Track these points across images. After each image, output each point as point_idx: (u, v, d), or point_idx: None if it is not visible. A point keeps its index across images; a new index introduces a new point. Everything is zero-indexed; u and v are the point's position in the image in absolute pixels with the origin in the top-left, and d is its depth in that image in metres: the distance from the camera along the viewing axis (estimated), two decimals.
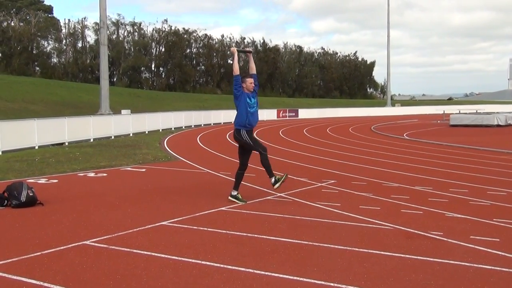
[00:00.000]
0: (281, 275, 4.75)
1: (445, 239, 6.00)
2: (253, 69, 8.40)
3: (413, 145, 19.22)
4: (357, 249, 5.59)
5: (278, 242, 5.92)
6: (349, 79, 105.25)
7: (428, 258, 5.27)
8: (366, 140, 21.33)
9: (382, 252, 5.49)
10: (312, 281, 4.60)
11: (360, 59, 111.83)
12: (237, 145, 8.45)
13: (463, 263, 5.10)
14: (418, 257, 5.31)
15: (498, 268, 4.93)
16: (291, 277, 4.70)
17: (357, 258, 5.30)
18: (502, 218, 7.00)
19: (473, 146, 17.85)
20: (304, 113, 51.81)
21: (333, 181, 10.16)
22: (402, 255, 5.38)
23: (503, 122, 30.87)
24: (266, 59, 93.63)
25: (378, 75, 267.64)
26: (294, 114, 50.61)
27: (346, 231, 6.40)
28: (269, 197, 8.65)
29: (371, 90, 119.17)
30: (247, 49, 8.54)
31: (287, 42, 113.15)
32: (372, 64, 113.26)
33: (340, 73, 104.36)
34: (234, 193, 8.29)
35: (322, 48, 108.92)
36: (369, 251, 5.53)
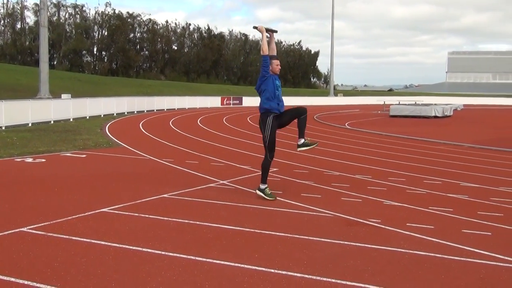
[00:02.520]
0: (222, 262, 4.78)
1: (383, 226, 6.17)
2: (274, 50, 7.84)
3: (354, 134, 19.60)
4: (298, 236, 5.68)
5: (220, 229, 5.94)
6: (293, 68, 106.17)
7: (366, 245, 5.41)
8: (308, 129, 21.56)
9: (323, 239, 5.59)
10: (253, 267, 4.65)
11: (304, 49, 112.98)
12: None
13: (399, 250, 5.26)
14: (357, 244, 5.44)
15: (432, 254, 5.12)
16: (232, 264, 4.72)
17: (298, 245, 5.38)
18: (437, 206, 7.24)
19: (411, 136, 18.36)
20: (249, 101, 51.83)
21: (275, 169, 10.24)
22: (342, 242, 5.50)
23: (441, 113, 31.85)
24: (211, 45, 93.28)
25: (322, 64, 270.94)
26: (238, 102, 50.60)
27: (287, 219, 6.48)
28: (211, 184, 8.65)
29: (314, 79, 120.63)
30: (273, 28, 7.97)
31: (232, 30, 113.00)
32: (316, 54, 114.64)
33: (285, 62, 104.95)
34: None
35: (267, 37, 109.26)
36: (310, 238, 5.63)
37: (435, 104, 36.40)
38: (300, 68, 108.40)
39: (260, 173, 7.71)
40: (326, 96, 66.75)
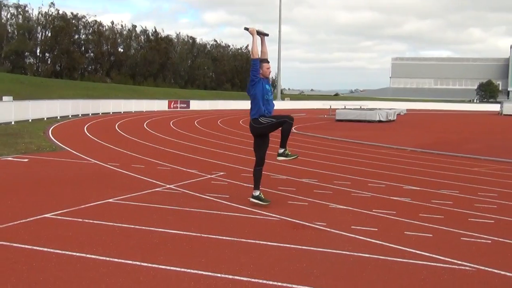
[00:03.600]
0: (168, 267, 4.74)
1: (328, 229, 6.27)
2: (266, 53, 7.66)
3: (301, 138, 19.80)
4: (244, 240, 5.70)
5: (166, 234, 5.89)
6: (241, 72, 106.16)
7: (311, 248, 5.48)
8: None
9: (269, 243, 5.63)
10: (200, 272, 4.64)
11: None
12: (253, 138, 7.69)
13: (343, 252, 5.36)
14: (303, 247, 5.50)
15: (375, 256, 5.23)
16: (179, 269, 4.70)
17: (245, 248, 5.40)
18: (380, 209, 7.41)
19: (356, 140, 18.71)
20: (196, 105, 51.68)
21: (222, 173, 10.25)
22: (288, 245, 5.55)
23: (384, 118, 32.59)
24: (158, 48, 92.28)
25: None
26: (185, 105, 50.33)
27: (234, 223, 6.49)
28: (158, 189, 8.57)
29: None
30: (265, 31, 7.69)
31: (179, 33, 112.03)
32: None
33: (232, 66, 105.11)
34: (256, 193, 7.47)
35: (215, 40, 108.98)
36: (257, 241, 5.66)
37: (379, 109, 37.19)
38: (247, 72, 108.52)
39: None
40: (274, 101, 67.15)
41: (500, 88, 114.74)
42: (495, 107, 65.03)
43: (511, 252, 5.53)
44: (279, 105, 61.56)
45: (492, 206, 7.78)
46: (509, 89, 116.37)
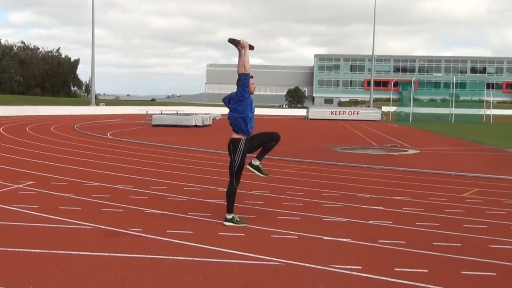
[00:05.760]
0: None
1: (143, 234, 6.21)
2: (248, 69, 6.95)
3: (116, 144, 19.37)
4: (54, 251, 5.43)
5: None
6: (51, 76, 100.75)
7: (127, 255, 5.39)
8: (69, 140, 20.74)
9: (81, 252, 5.43)
10: None
11: (63, 56, 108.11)
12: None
13: (159, 256, 5.35)
14: (117, 254, 5.39)
15: (191, 258, 5.32)
16: None
17: (55, 260, 5.15)
18: (196, 211, 7.53)
19: (172, 145, 18.79)
20: (1, 111, 47.98)
21: (31, 182, 9.65)
22: (101, 254, 5.40)
23: (200, 122, 33.19)
24: None
25: (83, 73, 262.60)
26: None
27: (43, 234, 6.15)
28: None
29: (75, 88, 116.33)
30: (252, 44, 6.83)
31: None
32: (76, 62, 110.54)
33: (42, 69, 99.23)
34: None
35: (22, 42, 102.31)
36: (68, 252, 5.42)
37: (196, 114, 37.79)
38: (59, 76, 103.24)
39: (225, 202, 6.97)
40: (87, 106, 64.81)
41: (306, 94, 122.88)
42: (302, 112, 69.58)
43: (314, 246, 5.96)
44: (93, 110, 59.67)
45: (299, 204, 8.32)
46: (314, 95, 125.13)
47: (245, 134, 6.92)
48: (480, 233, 6.71)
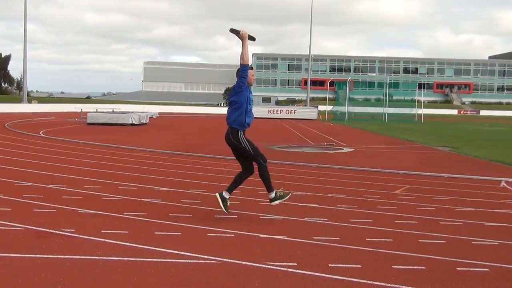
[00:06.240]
0: None
1: (76, 235, 6.08)
2: (246, 60, 6.87)
3: (49, 143, 18.83)
4: None
5: None
6: None
7: (58, 256, 5.26)
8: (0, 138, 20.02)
9: (11, 254, 5.26)
10: None
11: None
12: (231, 148, 7.23)
13: (93, 257, 5.25)
14: (49, 256, 5.26)
15: (126, 258, 5.24)
16: None
17: None
18: (132, 211, 7.43)
19: (108, 144, 18.44)
20: None
21: None
22: (32, 255, 5.25)
23: (137, 121, 32.70)
24: None
25: (14, 70, 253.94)
26: None
27: None
28: None
29: (6, 85, 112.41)
30: (253, 35, 6.53)
31: None
32: (8, 58, 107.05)
33: None
34: (226, 195, 7.14)
35: None
36: None
37: (132, 112, 37.19)
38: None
39: (264, 183, 7.12)
40: (19, 103, 62.63)
41: None
42: None
43: (249, 243, 6.00)
44: (26, 108, 57.77)
45: (236, 202, 8.33)
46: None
47: (243, 127, 6.98)
48: (411, 228, 6.94)
